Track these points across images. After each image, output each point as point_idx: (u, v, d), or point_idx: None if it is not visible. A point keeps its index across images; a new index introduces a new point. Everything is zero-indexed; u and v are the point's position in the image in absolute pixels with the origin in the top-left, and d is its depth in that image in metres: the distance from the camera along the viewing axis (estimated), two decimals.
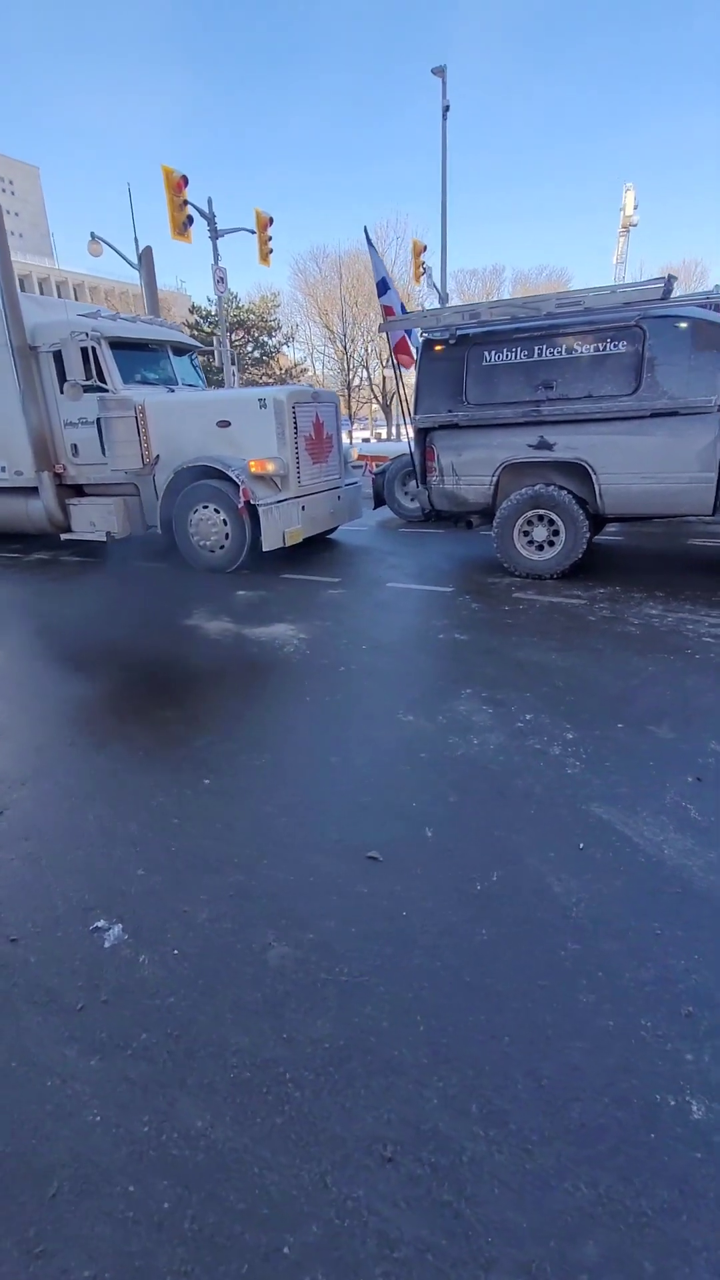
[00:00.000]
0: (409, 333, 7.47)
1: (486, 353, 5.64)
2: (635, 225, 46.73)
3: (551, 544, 5.81)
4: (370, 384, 29.13)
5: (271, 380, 26.77)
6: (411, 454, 6.76)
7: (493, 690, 3.65)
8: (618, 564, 6.38)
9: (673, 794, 2.60)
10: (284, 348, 28.23)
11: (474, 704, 3.49)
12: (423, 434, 6.18)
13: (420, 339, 5.97)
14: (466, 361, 5.73)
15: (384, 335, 7.32)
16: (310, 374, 31.03)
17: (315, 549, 7.63)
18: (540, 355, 5.45)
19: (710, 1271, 1.18)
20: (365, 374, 29.14)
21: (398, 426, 29.01)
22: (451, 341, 5.73)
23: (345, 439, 8.39)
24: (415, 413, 6.10)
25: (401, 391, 7.23)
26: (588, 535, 5.65)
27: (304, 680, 3.93)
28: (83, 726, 3.46)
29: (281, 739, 3.23)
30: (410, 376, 7.11)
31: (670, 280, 4.88)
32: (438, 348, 5.83)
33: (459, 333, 5.68)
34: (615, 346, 5.20)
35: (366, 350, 28.93)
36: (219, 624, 5.10)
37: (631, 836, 2.36)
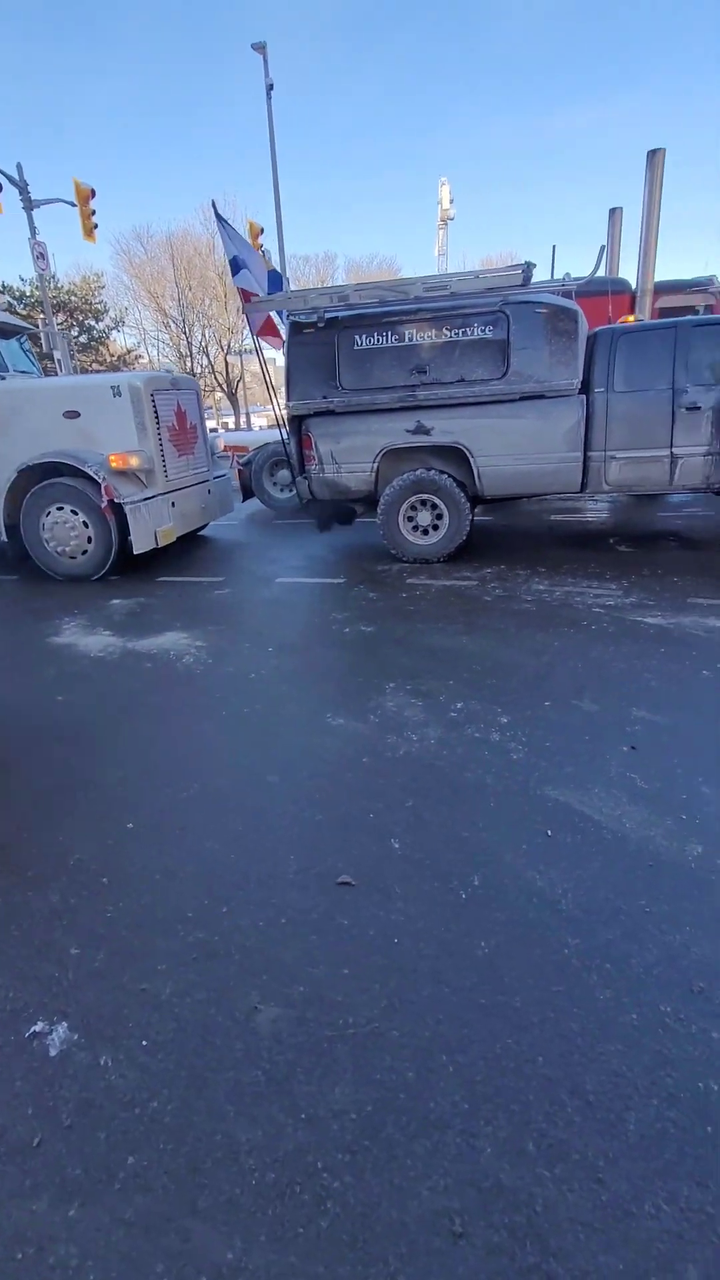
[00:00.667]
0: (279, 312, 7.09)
1: (358, 336, 5.52)
2: (453, 219, 49.09)
3: (436, 528, 5.86)
4: (213, 371, 28.00)
5: (103, 368, 24.82)
6: (284, 442, 6.50)
7: (415, 681, 3.57)
8: (496, 543, 6.61)
9: (615, 766, 2.67)
10: (113, 333, 26.24)
11: (401, 698, 3.39)
12: (297, 421, 5.94)
13: (287, 321, 5.70)
14: (338, 345, 5.58)
15: (229, 319, 6.91)
16: (145, 361, 29.19)
17: (189, 548, 7.14)
18: (412, 339, 5.42)
19: None
20: (206, 360, 27.94)
21: (247, 415, 28.25)
22: (320, 325, 5.53)
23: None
24: (288, 399, 5.84)
25: (269, 378, 6.92)
26: (470, 517, 5.77)
27: (214, 693, 3.60)
28: None
29: (207, 763, 2.91)
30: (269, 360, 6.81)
31: (529, 267, 5.04)
32: (306, 330, 5.61)
33: (328, 315, 5.50)
34: (482, 331, 5.31)
35: (205, 336, 27.73)
36: (99, 639, 4.56)
37: (592, 815, 2.38)
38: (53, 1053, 1.63)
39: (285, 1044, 1.62)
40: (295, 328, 5.65)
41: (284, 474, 8.98)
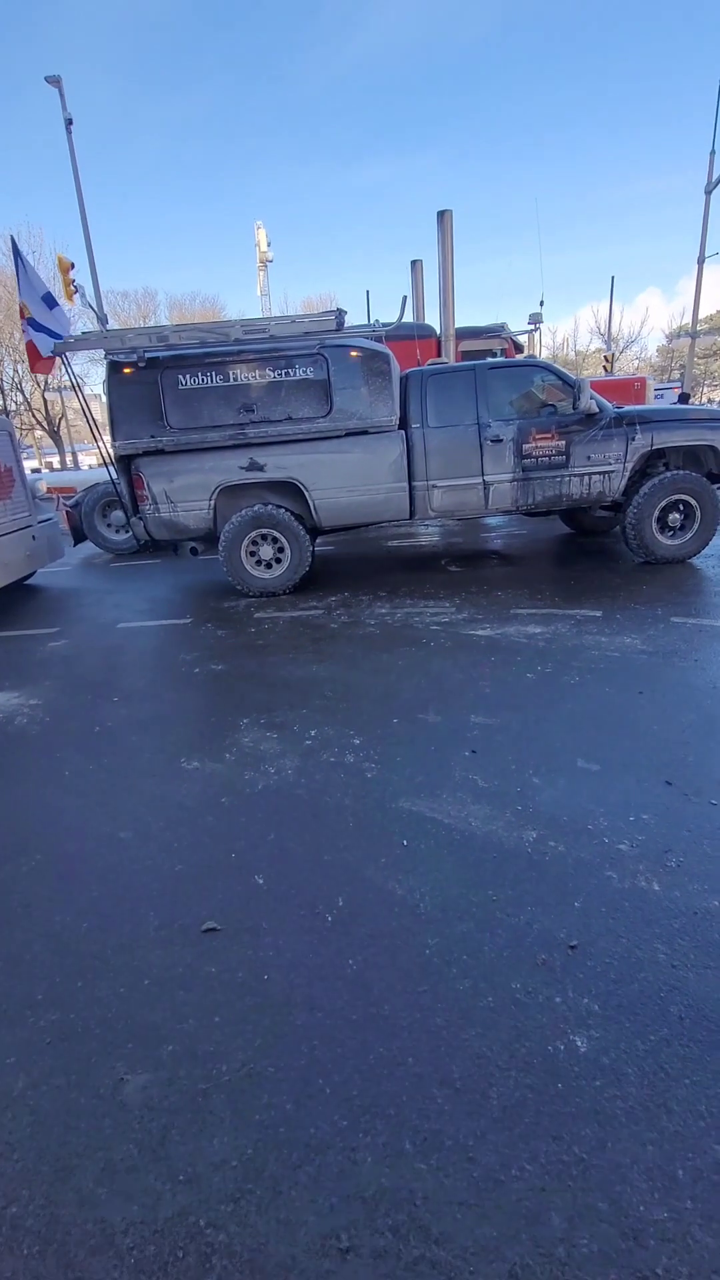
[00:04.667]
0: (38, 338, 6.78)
1: (182, 376, 5.52)
2: (271, 260, 50.68)
3: (279, 560, 5.97)
4: (30, 409, 26.23)
5: None
6: (115, 482, 6.29)
7: (269, 714, 3.60)
8: (339, 572, 6.85)
9: (459, 770, 2.89)
10: None
11: (256, 733, 3.40)
12: (126, 461, 5.79)
13: (106, 361, 5.55)
14: (162, 385, 5.53)
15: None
16: None
17: (15, 599, 6.61)
18: (238, 379, 5.53)
19: (649, 1178, 1.33)
20: (22, 397, 26.10)
21: (74, 453, 26.77)
22: (141, 365, 5.47)
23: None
24: (114, 439, 5.68)
25: (91, 417, 6.67)
26: (311, 549, 5.94)
27: (54, 752, 3.37)
28: None
29: (50, 830, 2.71)
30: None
31: (341, 313, 5.39)
32: (126, 370, 5.51)
33: (148, 355, 5.45)
34: (304, 372, 5.55)
35: (18, 372, 25.96)
36: None
37: (442, 820, 2.55)
38: None
39: (157, 1109, 1.55)
40: (114, 367, 5.53)
41: (118, 515, 8.64)
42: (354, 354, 5.53)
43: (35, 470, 22.65)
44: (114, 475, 6.12)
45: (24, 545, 6.45)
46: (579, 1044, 1.62)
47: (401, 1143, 1.45)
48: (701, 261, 17.36)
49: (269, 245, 49.98)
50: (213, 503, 5.81)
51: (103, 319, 16.19)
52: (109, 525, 8.72)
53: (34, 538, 6.67)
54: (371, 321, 5.74)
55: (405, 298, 6.02)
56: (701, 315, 19.89)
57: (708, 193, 16.35)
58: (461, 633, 4.66)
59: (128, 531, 8.58)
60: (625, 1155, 1.38)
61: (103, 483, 8.79)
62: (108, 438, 5.91)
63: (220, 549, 5.90)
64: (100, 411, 8.82)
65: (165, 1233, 1.31)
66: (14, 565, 6.26)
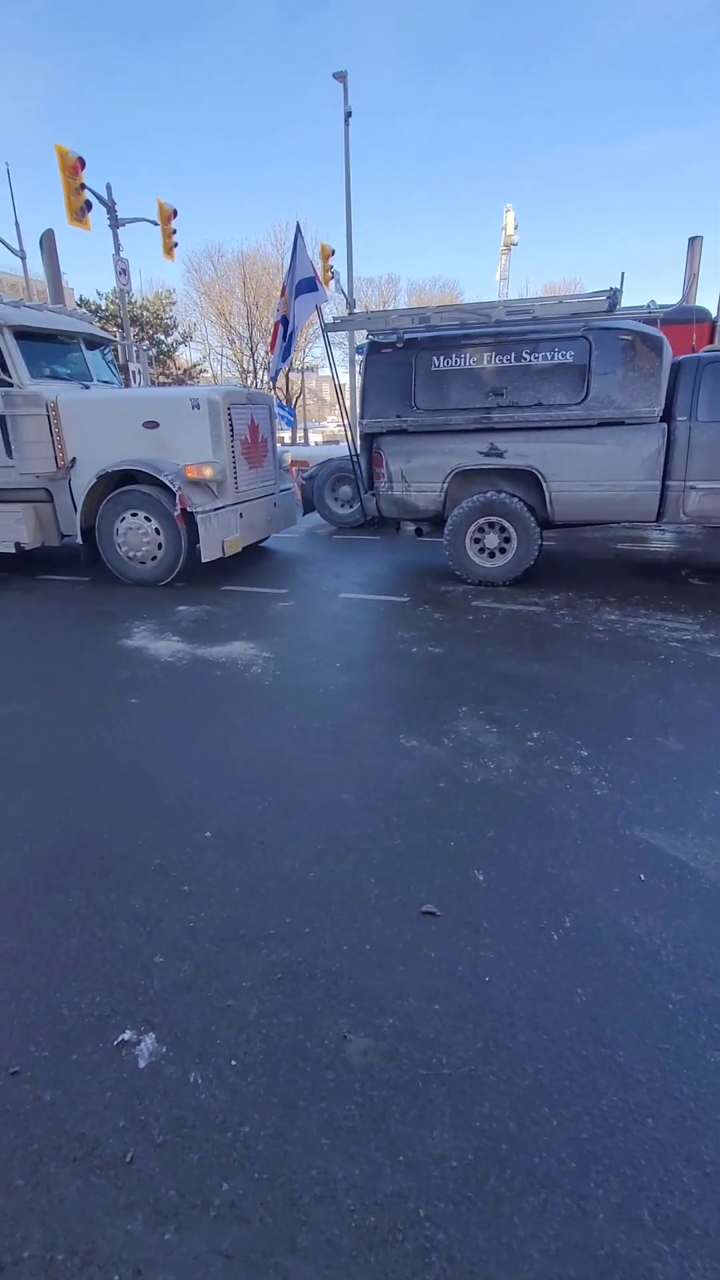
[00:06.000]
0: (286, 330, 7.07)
1: (435, 358, 5.53)
2: (516, 244, 49.28)
3: (503, 551, 5.80)
4: (273, 387, 28.60)
5: (169, 380, 25.64)
6: (354, 459, 6.55)
7: (488, 707, 3.50)
8: (561, 570, 6.49)
9: (708, 810, 2.55)
10: (181, 347, 27.11)
11: (475, 723, 3.33)
12: (369, 439, 5.98)
13: (367, 341, 5.76)
14: (415, 366, 5.60)
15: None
16: (209, 375, 30.06)
17: (252, 559, 7.24)
18: (489, 362, 5.41)
19: None
20: (266, 376, 28.58)
21: (305, 430, 28.72)
22: (399, 345, 5.58)
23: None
24: (362, 417, 5.89)
25: (341, 397, 7.00)
26: (539, 542, 5.68)
27: (284, 705, 3.60)
28: (31, 775, 2.95)
29: (280, 776, 2.90)
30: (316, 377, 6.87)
31: (615, 293, 4.99)
32: (385, 350, 5.66)
33: (407, 336, 5.53)
34: (563, 356, 5.25)
35: (268, 354, 28.40)
36: (168, 644, 4.63)
37: (687, 861, 2.27)
38: (141, 1064, 1.62)
39: (378, 1079, 1.57)
40: (374, 347, 5.71)
41: (345, 490, 9.06)
42: (623, 337, 5.10)
43: (284, 442, 24.72)
44: (355, 451, 6.37)
45: (267, 510, 7.01)
46: None
47: (639, 1210, 1.29)
48: None
49: (515, 228, 48.61)
50: (445, 485, 5.79)
51: (351, 304, 16.96)
52: (336, 499, 9.18)
53: (275, 504, 7.22)
54: (647, 303, 5.23)
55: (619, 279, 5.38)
56: None
57: None
58: (709, 655, 4.13)
59: (353, 506, 9.00)
60: None
61: (335, 458, 9.26)
62: (339, 415, 6.15)
63: (445, 533, 5.88)
64: (330, 393, 9.22)
65: (386, 1208, 1.31)
66: (257, 527, 6.84)
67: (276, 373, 6.74)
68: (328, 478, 9.06)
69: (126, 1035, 1.69)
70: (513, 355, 5.33)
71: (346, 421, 7.63)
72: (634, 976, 1.82)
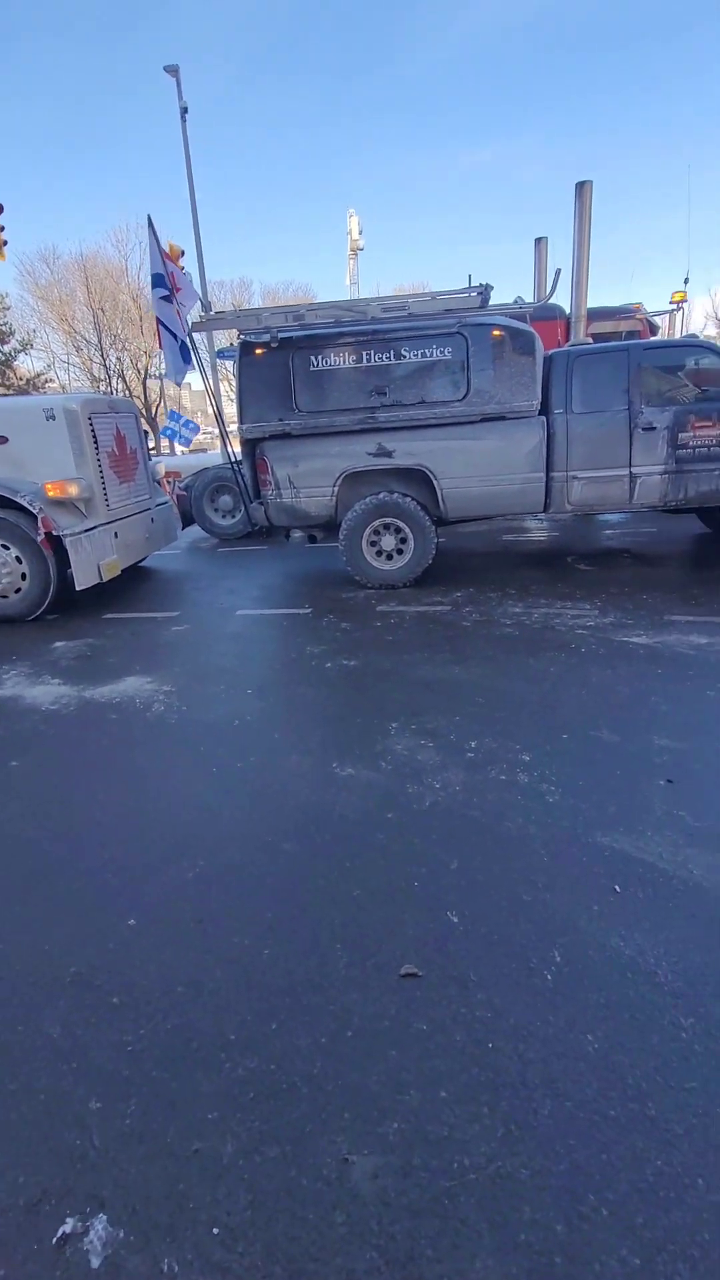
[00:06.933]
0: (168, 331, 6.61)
1: (314, 357, 5.31)
2: (362, 249, 50.31)
3: (400, 552, 5.69)
4: (130, 396, 27.07)
5: (9, 391, 23.47)
6: (234, 466, 6.18)
7: (419, 719, 3.33)
8: (457, 567, 6.51)
9: (659, 804, 2.52)
10: (21, 356, 24.91)
11: (409, 739, 3.14)
12: (251, 445, 5.65)
13: (238, 341, 5.42)
14: (292, 367, 5.34)
15: (145, 342, 6.40)
16: (55, 385, 27.90)
17: (134, 581, 6.64)
18: (370, 361, 5.27)
19: None
20: (122, 384, 26.97)
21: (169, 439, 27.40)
22: (274, 345, 5.29)
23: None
24: (241, 422, 5.55)
25: (216, 403, 6.59)
26: (435, 540, 5.63)
27: (197, 746, 3.22)
28: None
29: (207, 832, 2.53)
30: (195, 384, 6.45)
31: (487, 289, 5.02)
32: (258, 351, 5.35)
33: (282, 336, 5.26)
34: (441, 353, 5.22)
35: (120, 360, 26.82)
36: (48, 689, 4.05)
37: (655, 864, 2.20)
38: (95, 1263, 1.25)
39: (395, 1206, 1.31)
40: (246, 348, 5.38)
41: (226, 499, 8.62)
42: (496, 333, 5.15)
43: (153, 452, 23.32)
44: (235, 459, 6.00)
45: (144, 527, 6.45)
46: None
47: None
48: None
49: (360, 233, 49.61)
50: (336, 489, 5.58)
51: (206, 306, 16.34)
52: (216, 510, 8.71)
53: (152, 520, 6.66)
54: (515, 299, 5.33)
55: (559, 270, 5.57)
56: None
57: None
58: (614, 639, 4.23)
59: (235, 516, 8.58)
60: None
61: (212, 467, 8.79)
62: (216, 422, 5.79)
63: (340, 538, 5.68)
64: (192, 399, 8.77)
65: None
66: (135, 546, 6.27)
67: (178, 376, 6.19)
68: (206, 488, 8.57)
69: (68, 1226, 1.31)
70: (392, 353, 5.23)
71: (220, 428, 7.21)
72: (640, 1008, 1.69)
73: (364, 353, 5.25)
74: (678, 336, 13.40)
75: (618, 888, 2.10)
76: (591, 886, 2.12)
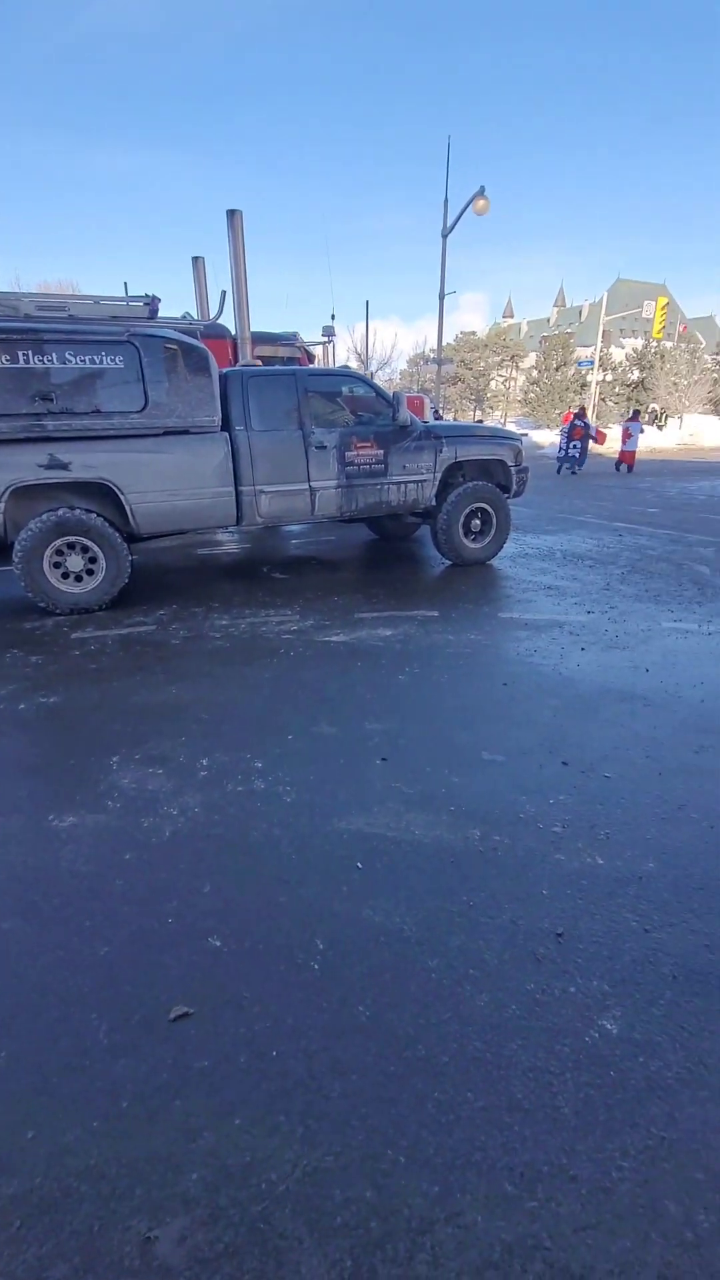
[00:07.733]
0: None
1: None
2: None
3: (90, 573, 5.26)
4: None
5: None
6: None
7: (142, 747, 3.14)
8: (155, 583, 6.28)
9: (379, 780, 2.82)
10: None
11: (135, 770, 2.94)
12: None
13: None
14: None
15: None
16: None
17: None
18: (30, 363, 4.73)
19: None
20: None
21: None
22: None
23: None
24: None
25: None
26: (130, 557, 5.35)
27: None
28: None
29: None
30: None
31: (154, 300, 4.93)
32: None
33: None
34: (112, 361, 4.96)
35: None
36: None
37: (386, 834, 2.47)
38: None
39: (210, 1258, 1.24)
40: None
41: None
42: (169, 346, 5.10)
43: None
44: None
45: None
46: (610, 1027, 1.69)
47: (502, 1187, 1.35)
48: (442, 297, 19.54)
49: None
50: (3, 506, 4.89)
51: None
52: None
53: None
54: (183, 314, 5.34)
55: (224, 292, 5.73)
56: (435, 344, 22.39)
57: (444, 235, 18.46)
58: (316, 640, 4.58)
59: None
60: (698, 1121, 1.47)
61: None
62: None
63: (15, 561, 5.00)
64: None
65: None
66: None
67: None
68: None
69: None
70: (56, 356, 4.78)
71: None
72: (396, 965, 1.88)
73: (20, 353, 4.69)
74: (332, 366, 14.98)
75: (359, 864, 2.31)
76: (339, 870, 2.28)
